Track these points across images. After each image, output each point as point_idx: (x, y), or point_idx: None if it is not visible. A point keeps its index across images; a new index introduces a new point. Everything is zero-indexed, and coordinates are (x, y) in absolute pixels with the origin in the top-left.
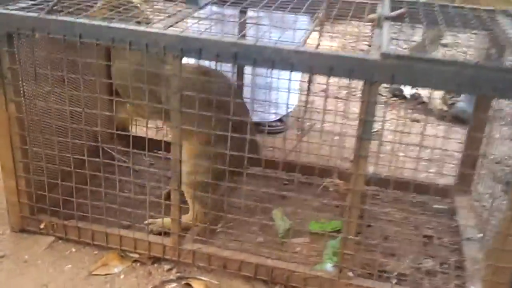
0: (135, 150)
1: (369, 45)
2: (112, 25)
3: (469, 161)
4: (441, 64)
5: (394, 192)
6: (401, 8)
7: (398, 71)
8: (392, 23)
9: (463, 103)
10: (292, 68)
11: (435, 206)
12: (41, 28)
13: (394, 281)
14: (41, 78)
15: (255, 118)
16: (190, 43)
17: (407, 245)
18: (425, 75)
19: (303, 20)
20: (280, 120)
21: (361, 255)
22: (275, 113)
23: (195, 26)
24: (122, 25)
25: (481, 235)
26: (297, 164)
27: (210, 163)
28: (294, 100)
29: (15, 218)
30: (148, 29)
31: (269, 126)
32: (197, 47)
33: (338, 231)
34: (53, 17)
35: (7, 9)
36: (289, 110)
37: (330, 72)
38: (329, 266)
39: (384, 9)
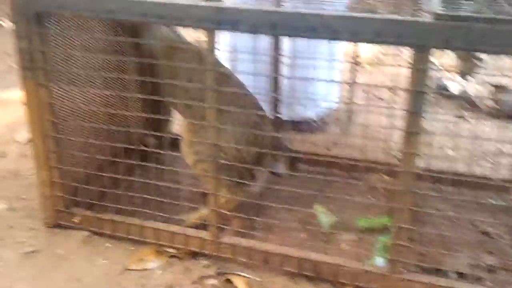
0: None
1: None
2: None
3: None
4: (503, 23)
5: (447, 188)
6: None
7: (454, 33)
8: None
9: None
10: (335, 35)
11: (492, 202)
12: (71, 5)
13: (454, 276)
14: (72, 61)
15: (294, 116)
16: (225, 14)
17: (463, 241)
18: (485, 36)
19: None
20: (320, 118)
21: (415, 250)
22: (315, 111)
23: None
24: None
25: None
26: (340, 160)
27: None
28: (334, 96)
29: (49, 212)
30: (181, 2)
31: (308, 123)
32: (233, 18)
33: (388, 228)
34: None
35: None
36: (330, 107)
37: (376, 37)
38: (380, 261)
39: None
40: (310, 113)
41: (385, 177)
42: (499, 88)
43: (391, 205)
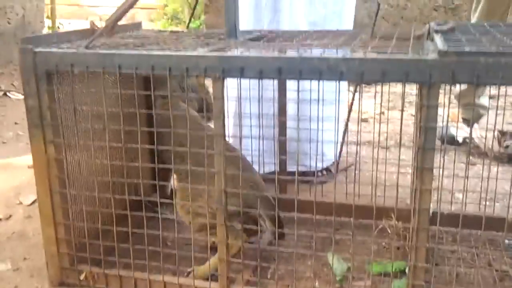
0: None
1: None
2: (152, 52)
3: None
4: (507, 56)
5: (459, 231)
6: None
7: (459, 68)
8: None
9: None
10: (341, 76)
11: (506, 241)
12: (80, 62)
13: None
14: (80, 116)
15: (301, 168)
16: (232, 62)
17: (481, 282)
18: (490, 70)
19: None
20: (326, 169)
21: None
22: (321, 162)
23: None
24: (162, 52)
25: None
26: (348, 207)
27: None
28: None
29: (54, 270)
30: (188, 53)
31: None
32: (239, 66)
33: (402, 272)
34: (91, 51)
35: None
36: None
37: (383, 77)
38: None
39: (432, 24)
40: (316, 164)
41: (396, 222)
42: (504, 134)
43: (406, 244)
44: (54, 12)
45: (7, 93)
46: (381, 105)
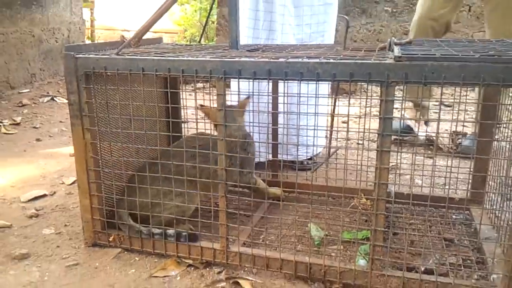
0: None
1: None
2: (168, 58)
3: (479, 178)
4: (448, 60)
5: (415, 209)
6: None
7: (410, 70)
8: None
9: (468, 141)
10: (318, 77)
11: (454, 217)
12: (111, 65)
13: (422, 272)
14: (111, 108)
15: (289, 157)
16: (231, 65)
17: (431, 247)
18: (435, 72)
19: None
20: (310, 158)
21: (391, 254)
22: (306, 152)
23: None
24: (176, 57)
25: (497, 234)
26: (327, 188)
27: None
28: (322, 141)
29: (89, 233)
30: (197, 58)
31: (300, 163)
32: (237, 68)
33: (368, 239)
34: (121, 56)
35: (84, 55)
36: (318, 150)
37: (351, 77)
38: (362, 262)
39: (393, 39)
40: (302, 154)
41: (363, 199)
42: (458, 133)
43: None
44: (93, 34)
45: (54, 98)
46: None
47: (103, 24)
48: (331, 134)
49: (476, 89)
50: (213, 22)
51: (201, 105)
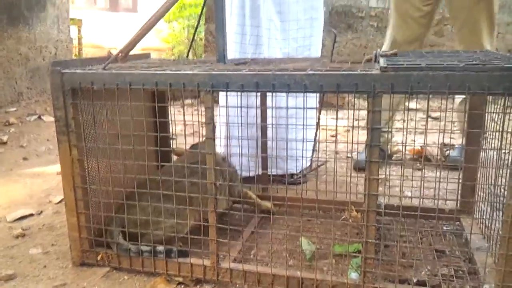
0: None
1: None
2: (155, 72)
3: (468, 188)
4: (433, 70)
5: (405, 221)
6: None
7: (396, 81)
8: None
9: (456, 151)
10: (305, 88)
11: (444, 228)
12: (98, 80)
13: (414, 283)
14: (98, 124)
15: (278, 171)
16: (219, 79)
17: (423, 258)
18: (421, 81)
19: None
20: (300, 171)
21: (383, 267)
22: (295, 166)
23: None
24: (163, 71)
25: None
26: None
27: None
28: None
29: (76, 252)
30: (184, 72)
31: (290, 177)
32: (225, 81)
33: (360, 252)
34: (108, 71)
35: (70, 70)
36: (308, 163)
37: (338, 88)
38: (354, 275)
39: (378, 50)
40: (291, 167)
41: (355, 212)
42: (446, 145)
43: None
44: (81, 52)
45: (41, 117)
46: (348, 124)
47: (91, 42)
48: (314, 146)
49: (456, 100)
50: (201, 39)
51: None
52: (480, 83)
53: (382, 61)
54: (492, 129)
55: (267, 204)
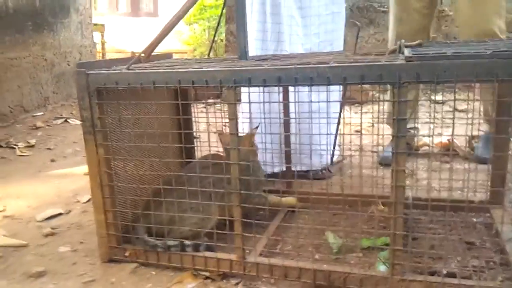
0: None
1: None
2: (178, 70)
3: (499, 179)
4: (460, 58)
5: (434, 214)
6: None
7: (422, 70)
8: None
9: (480, 150)
10: (328, 81)
11: (474, 220)
12: (123, 80)
13: (444, 275)
14: (123, 123)
15: (303, 167)
16: (241, 74)
17: (452, 250)
18: (447, 70)
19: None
20: (326, 168)
21: (412, 259)
22: (320, 162)
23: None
24: (186, 69)
25: None
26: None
27: None
28: (336, 151)
29: (104, 249)
30: (207, 69)
31: (315, 173)
32: (247, 77)
33: (388, 245)
34: (131, 71)
35: (95, 71)
36: (334, 159)
37: (362, 79)
38: (382, 267)
39: (402, 41)
40: (316, 163)
41: (382, 206)
42: (474, 137)
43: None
44: (104, 56)
45: (67, 120)
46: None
47: (113, 46)
48: (335, 142)
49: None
50: (221, 40)
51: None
52: (508, 70)
53: (407, 52)
54: None
55: (291, 201)
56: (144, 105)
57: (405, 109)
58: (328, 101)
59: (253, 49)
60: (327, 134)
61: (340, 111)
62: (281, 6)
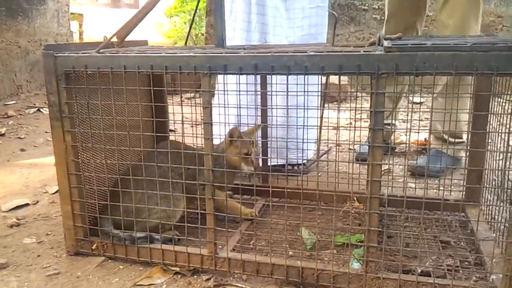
0: None
1: None
2: (150, 54)
3: (474, 178)
4: (439, 50)
5: (409, 212)
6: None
7: (401, 61)
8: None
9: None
10: (306, 70)
11: (449, 219)
12: (92, 64)
13: (418, 274)
14: (92, 109)
15: (280, 161)
16: (216, 61)
17: (427, 249)
18: (426, 62)
19: None
20: (302, 164)
21: (386, 258)
22: (296, 157)
23: None
24: (159, 54)
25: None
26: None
27: None
28: (313, 147)
29: (71, 241)
30: (180, 54)
31: (291, 168)
32: (222, 64)
33: (362, 242)
34: (101, 54)
35: (64, 53)
36: (309, 155)
37: (340, 69)
38: (356, 265)
39: (382, 33)
40: (292, 158)
41: (357, 203)
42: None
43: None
44: None
45: (40, 109)
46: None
47: (92, 37)
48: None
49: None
50: (202, 34)
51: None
52: (488, 63)
53: (386, 43)
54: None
55: (247, 212)
56: (115, 91)
57: (383, 101)
58: (305, 92)
59: (239, 39)
60: (304, 126)
61: (322, 106)
62: None
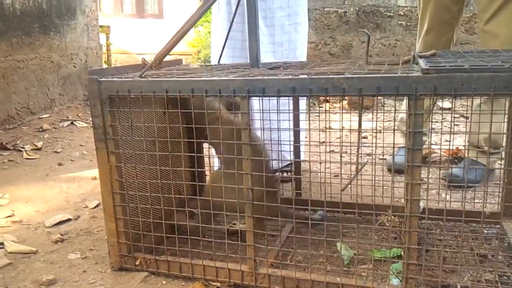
0: None
1: None
2: (191, 79)
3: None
4: (478, 71)
5: (444, 224)
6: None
7: (439, 83)
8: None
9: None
10: (344, 92)
11: (486, 231)
12: (135, 88)
13: None
14: (135, 131)
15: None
16: (255, 84)
17: (465, 263)
18: (464, 83)
19: None
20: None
21: (425, 273)
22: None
23: None
24: (199, 78)
25: None
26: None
27: None
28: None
29: (115, 257)
30: (220, 78)
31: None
32: (261, 87)
33: (400, 257)
34: (144, 79)
35: (108, 78)
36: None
37: (378, 91)
38: (395, 281)
39: (416, 51)
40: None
41: (393, 216)
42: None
43: (402, 231)
44: (110, 58)
45: (74, 122)
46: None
47: (119, 48)
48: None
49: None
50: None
51: None
52: None
53: (422, 63)
54: None
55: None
56: (156, 113)
57: (422, 121)
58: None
59: (223, 56)
60: (287, 129)
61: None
62: (245, 15)
